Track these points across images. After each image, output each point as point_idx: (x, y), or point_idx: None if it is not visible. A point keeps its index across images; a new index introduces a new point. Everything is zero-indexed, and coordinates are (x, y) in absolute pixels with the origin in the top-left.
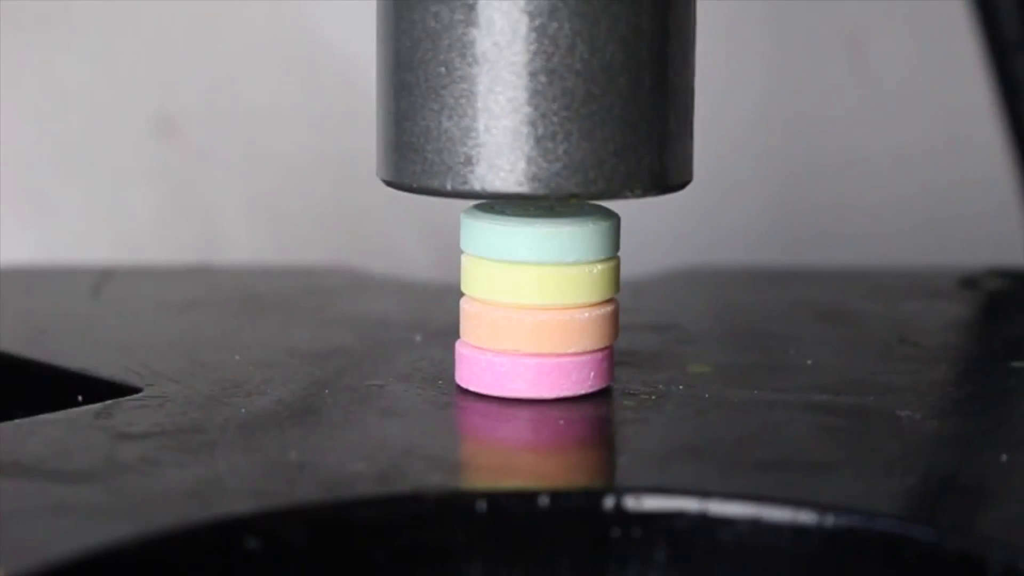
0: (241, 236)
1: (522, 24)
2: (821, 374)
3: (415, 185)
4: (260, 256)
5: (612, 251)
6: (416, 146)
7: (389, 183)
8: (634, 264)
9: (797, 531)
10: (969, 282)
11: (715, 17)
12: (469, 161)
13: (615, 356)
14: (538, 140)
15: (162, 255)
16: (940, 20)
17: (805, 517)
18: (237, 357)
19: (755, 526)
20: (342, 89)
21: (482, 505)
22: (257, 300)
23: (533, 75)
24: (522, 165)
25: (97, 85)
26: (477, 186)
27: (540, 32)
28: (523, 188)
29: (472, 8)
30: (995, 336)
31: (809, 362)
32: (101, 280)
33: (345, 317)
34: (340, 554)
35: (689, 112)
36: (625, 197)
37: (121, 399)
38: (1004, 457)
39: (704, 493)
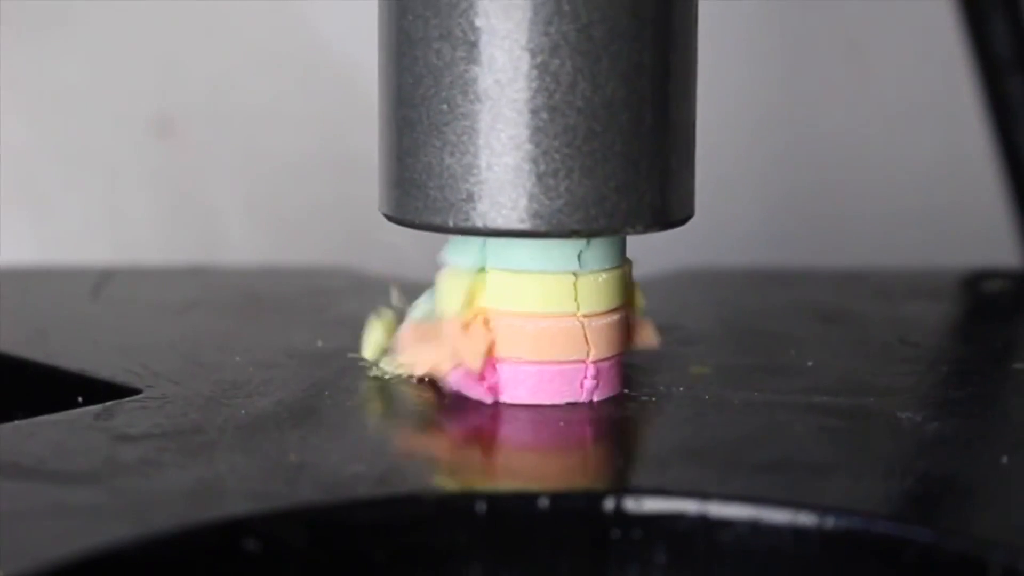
0: (241, 237)
1: (524, 61)
2: (821, 375)
3: (417, 221)
4: (260, 257)
5: (617, 260)
6: (418, 182)
7: (391, 218)
8: (635, 265)
9: (797, 533)
10: (969, 283)
11: (715, 21)
12: (471, 198)
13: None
14: (540, 177)
15: (162, 256)
16: (940, 23)
17: (805, 519)
18: (237, 358)
19: (755, 528)
20: (342, 89)
21: (482, 506)
22: (257, 301)
23: (535, 112)
24: (524, 202)
25: (96, 86)
26: (479, 223)
27: (542, 69)
28: (525, 225)
29: (474, 46)
30: (995, 337)
31: (810, 363)
32: (101, 281)
33: (345, 318)
34: (340, 555)
35: (691, 148)
36: (627, 233)
37: (121, 400)
38: (1004, 459)
39: (704, 495)
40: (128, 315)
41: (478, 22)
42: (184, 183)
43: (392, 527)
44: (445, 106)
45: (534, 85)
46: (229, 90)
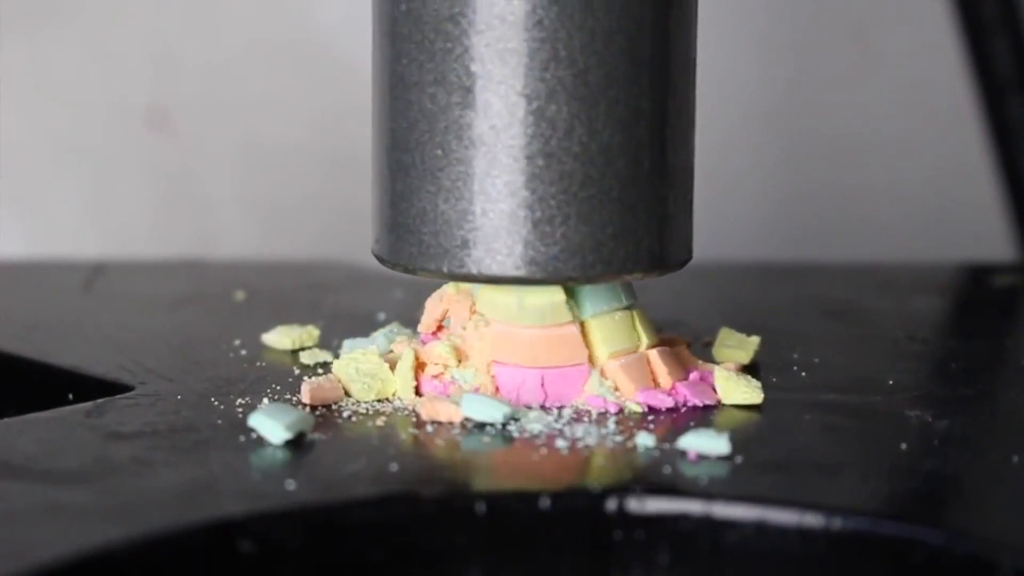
0: (236, 230)
1: (519, 107)
2: (828, 372)
3: (411, 267)
4: (255, 250)
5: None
6: (412, 228)
7: (384, 262)
8: None
9: (803, 534)
10: (977, 278)
11: (719, 7)
12: (466, 244)
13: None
14: (536, 224)
15: (155, 249)
16: (947, 8)
17: (811, 520)
18: (231, 354)
19: (760, 529)
20: (339, 80)
21: (481, 506)
22: (252, 296)
23: (531, 158)
24: (519, 249)
25: (89, 76)
26: (474, 269)
27: (538, 115)
28: (520, 272)
29: (469, 91)
30: (1005, 334)
31: (816, 360)
32: (92, 275)
33: (343, 313)
34: (336, 557)
35: (689, 192)
36: (624, 280)
37: (113, 397)
38: (1015, 458)
39: (708, 495)
40: (120, 310)
41: (473, 67)
42: (178, 175)
43: (389, 527)
44: (439, 151)
45: (530, 131)
46: (224, 81)
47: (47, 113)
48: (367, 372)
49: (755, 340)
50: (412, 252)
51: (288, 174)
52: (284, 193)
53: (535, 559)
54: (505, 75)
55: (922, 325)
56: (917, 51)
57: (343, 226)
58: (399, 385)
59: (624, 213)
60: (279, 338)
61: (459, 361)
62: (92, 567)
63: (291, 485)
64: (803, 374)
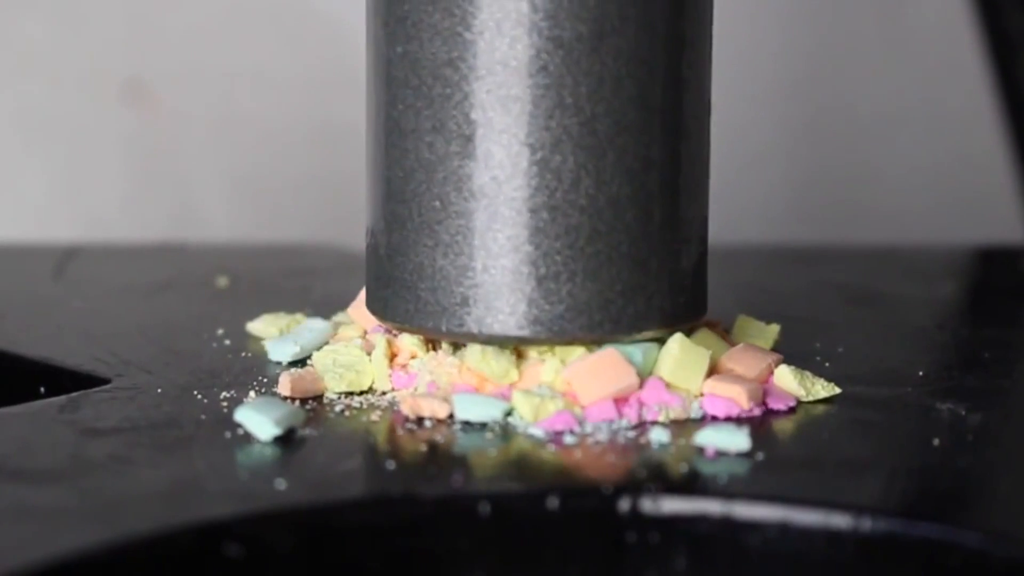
0: (218, 212)
1: (523, 157)
2: (853, 363)
3: (407, 325)
4: (238, 233)
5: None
6: (409, 283)
7: (379, 318)
8: None
9: (830, 536)
10: (1007, 261)
11: None
12: (465, 302)
13: None
14: (540, 281)
15: (131, 232)
16: (972, 26)
17: (838, 521)
18: (214, 344)
19: (784, 530)
20: (328, 52)
21: (485, 507)
22: (236, 281)
23: (534, 212)
24: (523, 307)
25: (61, 46)
26: (474, 328)
27: (542, 166)
28: (524, 332)
29: (469, 139)
30: None
31: (840, 349)
32: (64, 260)
33: (331, 299)
34: (329, 561)
35: (703, 244)
36: (634, 339)
37: (88, 391)
38: None
39: (728, 494)
40: (94, 297)
41: (474, 115)
42: (156, 153)
43: (386, 530)
44: (438, 203)
45: (534, 182)
46: (205, 52)
47: (14, 85)
48: (344, 363)
49: (775, 328)
50: (408, 309)
51: (273, 150)
52: (269, 171)
53: (542, 563)
54: (507, 123)
55: (951, 312)
56: (941, 27)
57: (332, 206)
58: (375, 375)
59: (634, 269)
60: (265, 327)
61: (428, 350)
62: (68, 572)
63: (281, 484)
64: (827, 364)
